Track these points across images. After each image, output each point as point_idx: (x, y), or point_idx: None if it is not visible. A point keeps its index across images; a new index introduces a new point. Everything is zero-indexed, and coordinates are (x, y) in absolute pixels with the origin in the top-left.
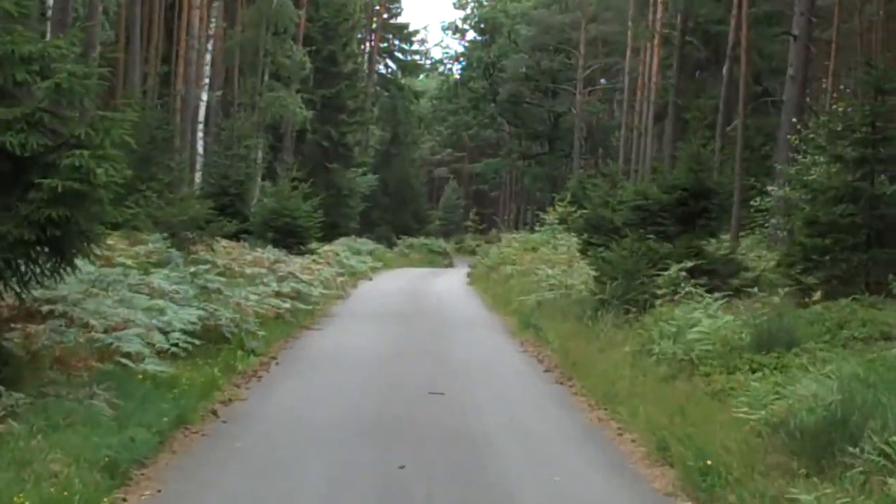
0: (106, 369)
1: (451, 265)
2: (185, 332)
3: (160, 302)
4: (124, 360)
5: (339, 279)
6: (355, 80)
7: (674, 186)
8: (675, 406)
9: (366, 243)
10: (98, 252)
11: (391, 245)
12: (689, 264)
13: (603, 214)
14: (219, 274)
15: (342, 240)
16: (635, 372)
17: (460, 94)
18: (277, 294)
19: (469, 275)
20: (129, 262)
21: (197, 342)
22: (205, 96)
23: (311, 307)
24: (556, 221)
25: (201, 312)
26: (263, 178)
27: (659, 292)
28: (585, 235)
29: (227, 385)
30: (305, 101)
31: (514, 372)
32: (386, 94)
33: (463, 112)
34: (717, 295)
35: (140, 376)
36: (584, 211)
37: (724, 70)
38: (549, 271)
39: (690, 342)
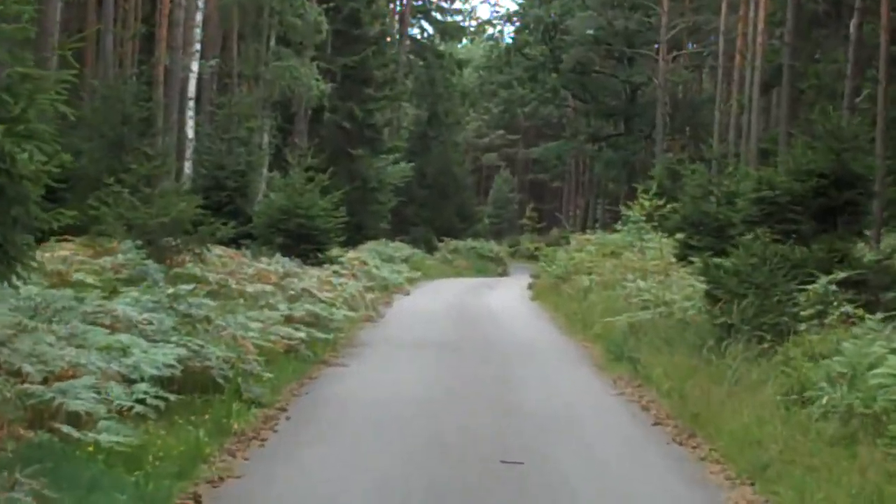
0: (40, 440)
1: (505, 273)
2: (158, 380)
3: (124, 338)
4: (66, 428)
5: (369, 297)
6: (383, 45)
7: (808, 172)
8: (866, 486)
9: (400, 248)
10: (23, 273)
11: (431, 249)
12: (841, 275)
13: (705, 209)
14: (209, 294)
15: (370, 244)
16: (790, 430)
17: (514, 63)
18: (288, 320)
19: (531, 286)
20: (90, 279)
21: (172, 397)
22: (195, 66)
23: (331, 336)
24: (643, 218)
25: (182, 351)
26: (270, 169)
27: (803, 313)
28: (682, 236)
29: (218, 454)
30: (322, 72)
31: (611, 425)
32: (421, 63)
33: (517, 84)
34: (879, 315)
35: (90, 448)
36: (676, 205)
37: (852, 26)
38: (641, 283)
39: (871, 388)
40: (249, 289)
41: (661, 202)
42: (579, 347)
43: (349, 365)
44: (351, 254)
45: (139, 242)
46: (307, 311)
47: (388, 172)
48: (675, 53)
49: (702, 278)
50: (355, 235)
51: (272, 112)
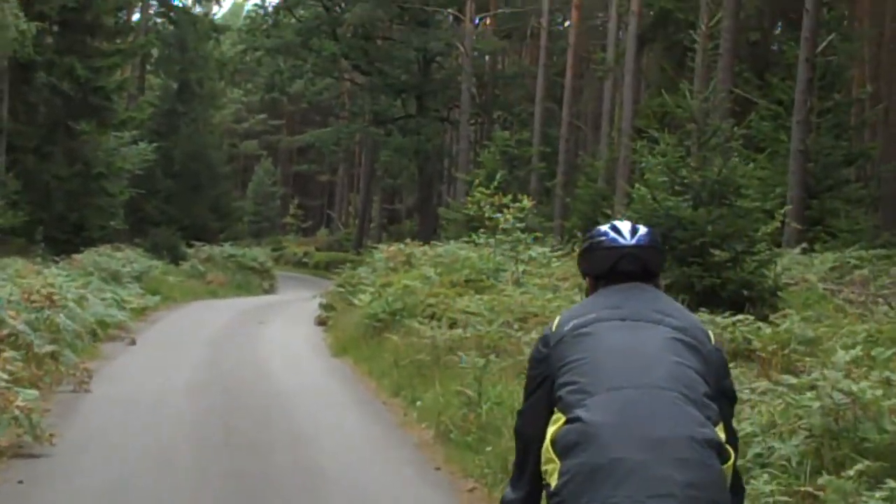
0: None
1: (272, 289)
2: None
3: None
4: None
5: (22, 397)
6: None
7: None
8: None
9: (133, 258)
10: None
11: (177, 259)
12: None
13: (676, 212)
14: None
15: (95, 251)
16: None
17: (282, 26)
18: None
19: (323, 323)
20: None
21: None
22: None
23: None
24: (520, 226)
25: None
26: None
27: None
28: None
29: None
30: (34, 16)
31: None
32: (171, 27)
33: (284, 54)
34: None
35: None
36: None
37: None
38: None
39: None
40: None
41: (512, 202)
42: None
43: None
44: (31, 271)
45: None
46: None
47: (123, 155)
48: (484, 14)
49: None
50: (74, 238)
51: None
